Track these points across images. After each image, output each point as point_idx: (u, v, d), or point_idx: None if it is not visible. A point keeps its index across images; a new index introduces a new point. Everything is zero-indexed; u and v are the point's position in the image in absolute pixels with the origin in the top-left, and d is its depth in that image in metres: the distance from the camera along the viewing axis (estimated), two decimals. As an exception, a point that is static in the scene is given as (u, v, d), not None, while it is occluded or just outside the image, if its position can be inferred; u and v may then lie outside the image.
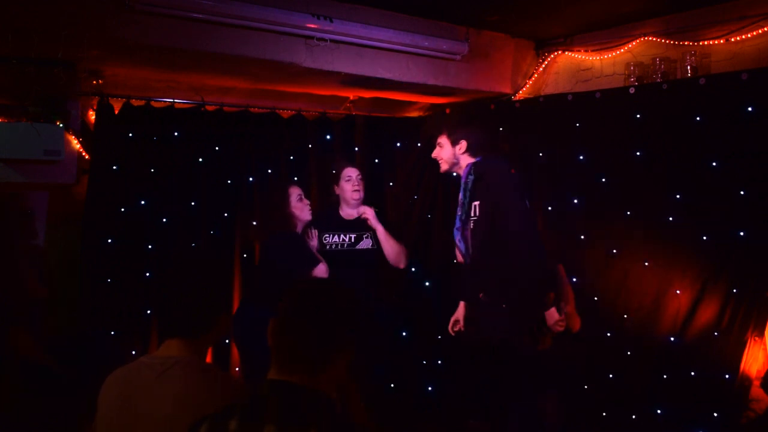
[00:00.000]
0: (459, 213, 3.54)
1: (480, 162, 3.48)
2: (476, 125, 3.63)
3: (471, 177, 3.46)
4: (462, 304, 3.66)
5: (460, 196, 3.53)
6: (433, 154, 3.68)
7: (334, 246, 4.01)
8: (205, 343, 1.97)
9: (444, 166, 3.64)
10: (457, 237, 3.55)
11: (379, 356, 4.06)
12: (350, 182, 4.04)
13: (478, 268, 3.48)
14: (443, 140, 3.62)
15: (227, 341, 4.36)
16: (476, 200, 3.43)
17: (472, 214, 3.44)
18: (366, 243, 4.02)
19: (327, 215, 4.13)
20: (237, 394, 1.80)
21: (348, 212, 4.09)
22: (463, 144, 3.53)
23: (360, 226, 4.04)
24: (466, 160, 3.54)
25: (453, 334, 3.67)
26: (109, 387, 1.89)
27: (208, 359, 4.10)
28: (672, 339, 3.81)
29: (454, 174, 3.67)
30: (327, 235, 4.04)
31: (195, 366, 1.85)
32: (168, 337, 1.92)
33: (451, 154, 3.58)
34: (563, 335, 3.69)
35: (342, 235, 4.03)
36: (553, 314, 3.30)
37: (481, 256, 3.44)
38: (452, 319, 3.67)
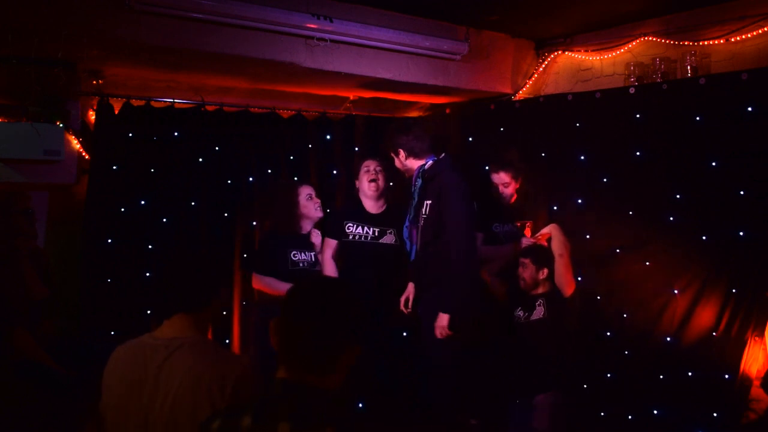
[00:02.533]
0: (408, 213, 3.74)
1: (430, 167, 3.66)
2: (407, 129, 3.74)
3: (419, 181, 3.66)
4: (411, 285, 3.84)
5: (412, 197, 3.71)
6: (395, 166, 3.84)
7: (357, 237, 4.09)
8: (206, 317, 1.96)
9: (405, 174, 3.84)
10: (405, 235, 3.77)
11: (379, 355, 4.06)
12: (368, 173, 4.11)
13: (419, 265, 3.68)
14: (390, 153, 3.79)
15: (227, 341, 4.36)
16: (428, 199, 3.59)
17: (423, 213, 3.62)
18: (389, 238, 4.10)
19: (352, 206, 4.24)
20: (246, 373, 1.80)
21: (369, 204, 4.17)
22: (401, 152, 3.71)
23: (383, 221, 4.12)
24: (414, 164, 3.71)
25: (405, 311, 3.83)
26: (113, 370, 1.89)
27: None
28: (672, 339, 3.80)
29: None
30: (350, 225, 4.11)
31: (201, 346, 1.84)
32: (168, 315, 1.90)
33: (399, 163, 3.77)
34: (555, 300, 3.73)
35: (366, 228, 4.11)
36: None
37: (423, 254, 3.64)
38: (403, 297, 3.84)
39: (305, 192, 4.05)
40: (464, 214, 3.49)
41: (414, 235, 3.72)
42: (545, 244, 3.90)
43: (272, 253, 3.99)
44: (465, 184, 3.61)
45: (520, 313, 3.86)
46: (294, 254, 3.97)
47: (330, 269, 4.07)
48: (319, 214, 4.07)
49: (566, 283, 3.76)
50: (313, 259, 4.03)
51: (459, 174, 3.64)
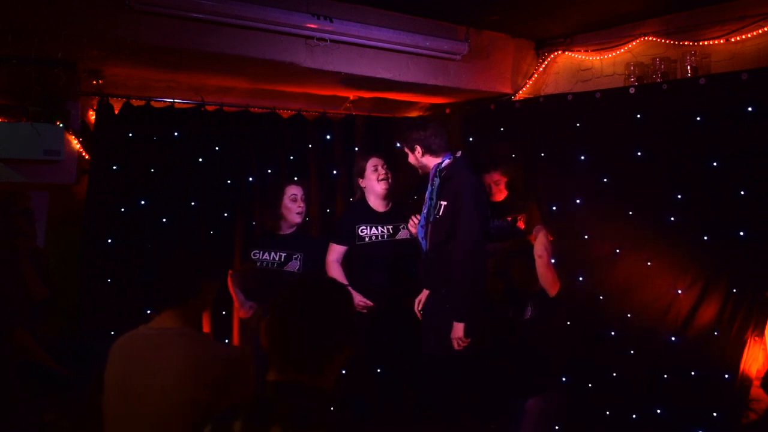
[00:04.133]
0: (424, 212, 3.65)
1: (446, 166, 3.57)
2: (425, 126, 3.66)
3: (437, 180, 3.57)
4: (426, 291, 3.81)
5: (427, 195, 3.64)
6: (408, 162, 3.76)
7: (374, 237, 4.04)
8: (194, 310, 2.05)
9: (419, 171, 3.74)
10: (420, 234, 3.68)
11: (379, 355, 4.06)
12: (377, 172, 4.04)
13: (430, 266, 3.63)
14: (405, 149, 3.71)
15: (226, 341, 4.36)
16: (444, 200, 3.52)
17: (437, 213, 3.55)
18: (404, 234, 4.05)
19: (359, 208, 4.14)
20: (229, 361, 1.87)
21: (377, 204, 4.10)
22: (418, 148, 3.62)
23: (393, 217, 4.08)
24: (431, 161, 3.63)
25: (420, 315, 3.79)
26: (112, 359, 1.97)
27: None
28: (673, 338, 3.81)
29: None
30: (363, 227, 4.04)
31: (187, 336, 1.92)
32: (159, 310, 1.99)
33: (414, 159, 3.68)
34: (542, 300, 3.74)
35: (380, 227, 4.06)
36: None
37: (434, 255, 3.59)
38: (417, 300, 3.80)
39: (290, 192, 3.99)
40: (477, 217, 3.44)
41: (429, 235, 3.64)
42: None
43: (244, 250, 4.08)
44: (482, 186, 3.59)
45: (511, 313, 3.87)
46: (254, 253, 3.98)
47: (336, 272, 3.99)
48: (298, 219, 3.99)
49: (549, 283, 3.74)
50: (281, 259, 3.97)
51: (476, 175, 3.60)
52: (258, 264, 3.96)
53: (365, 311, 3.90)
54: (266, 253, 3.98)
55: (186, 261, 2.06)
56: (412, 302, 3.94)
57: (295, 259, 4.00)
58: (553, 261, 4.03)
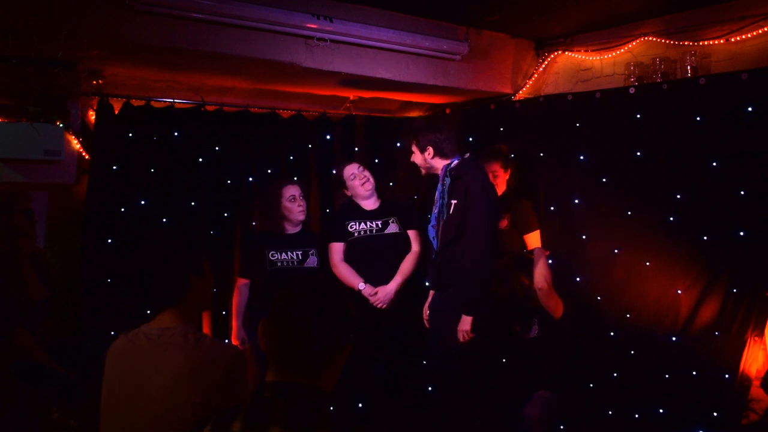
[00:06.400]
0: (435, 211, 3.70)
1: (456, 166, 3.60)
2: (440, 129, 3.71)
3: (447, 179, 3.60)
4: (432, 293, 3.84)
5: (437, 195, 3.68)
6: (411, 160, 3.81)
7: (362, 232, 4.12)
8: (191, 307, 2.06)
9: (422, 171, 3.81)
10: (432, 234, 3.72)
11: (379, 356, 4.06)
12: (356, 179, 4.15)
13: (440, 264, 3.64)
14: (414, 147, 3.75)
15: (225, 341, 4.36)
16: (454, 199, 3.55)
17: (449, 213, 3.57)
18: (393, 227, 4.14)
19: (348, 207, 4.25)
20: (236, 361, 1.90)
21: (365, 203, 4.21)
22: (430, 149, 3.66)
23: (383, 213, 4.17)
24: (439, 163, 3.67)
25: (427, 324, 3.82)
26: (112, 358, 1.99)
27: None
28: (673, 338, 3.80)
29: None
30: (353, 223, 4.14)
31: (189, 336, 1.94)
32: (157, 310, 2.01)
33: (422, 159, 3.72)
34: (548, 320, 3.74)
35: (369, 222, 4.15)
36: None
37: (442, 254, 3.61)
38: (425, 307, 3.85)
39: (288, 193, 4.02)
40: (487, 216, 3.47)
41: (439, 235, 3.68)
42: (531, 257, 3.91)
43: (251, 253, 4.04)
44: (491, 185, 3.61)
45: (517, 328, 3.87)
46: (272, 254, 3.96)
47: (346, 271, 4.06)
48: (301, 217, 4.04)
49: (552, 308, 3.76)
50: (299, 258, 4.00)
51: (486, 175, 3.64)
52: (279, 264, 3.96)
53: (379, 304, 3.95)
54: (284, 253, 3.98)
55: (171, 259, 2.08)
56: (413, 303, 3.94)
57: (312, 255, 4.04)
58: (551, 260, 4.04)
